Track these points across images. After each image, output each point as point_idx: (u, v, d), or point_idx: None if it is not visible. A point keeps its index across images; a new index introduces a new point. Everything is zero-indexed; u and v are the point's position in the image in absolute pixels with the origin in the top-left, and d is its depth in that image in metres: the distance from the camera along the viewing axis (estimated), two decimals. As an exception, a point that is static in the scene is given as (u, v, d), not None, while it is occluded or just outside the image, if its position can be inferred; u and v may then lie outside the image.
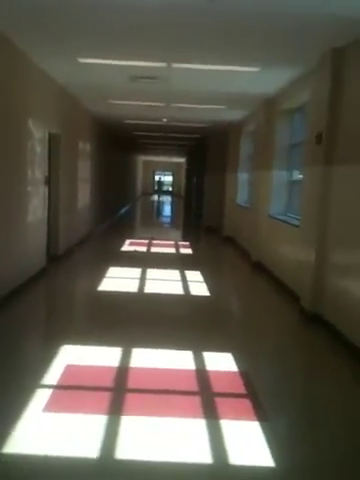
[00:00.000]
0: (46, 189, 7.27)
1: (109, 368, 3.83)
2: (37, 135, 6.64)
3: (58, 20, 4.63)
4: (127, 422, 3.01)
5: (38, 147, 6.72)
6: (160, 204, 30.55)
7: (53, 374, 3.65)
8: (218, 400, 3.39)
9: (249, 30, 4.68)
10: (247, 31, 4.72)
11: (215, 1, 3.85)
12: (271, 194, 8.23)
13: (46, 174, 7.21)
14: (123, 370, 3.83)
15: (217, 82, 7.15)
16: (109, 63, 6.16)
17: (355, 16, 4.11)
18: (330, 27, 4.47)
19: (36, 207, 6.74)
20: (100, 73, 6.92)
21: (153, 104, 9.37)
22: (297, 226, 6.53)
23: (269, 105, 8.30)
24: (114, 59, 6.00)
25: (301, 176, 7.06)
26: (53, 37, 5.20)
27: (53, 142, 7.71)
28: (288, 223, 7.18)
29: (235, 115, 10.59)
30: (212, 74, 6.55)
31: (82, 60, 6.06)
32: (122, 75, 6.83)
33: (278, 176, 8.10)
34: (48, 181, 7.37)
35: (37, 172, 6.71)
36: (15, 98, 5.75)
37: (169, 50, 5.59)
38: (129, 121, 12.27)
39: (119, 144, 17.41)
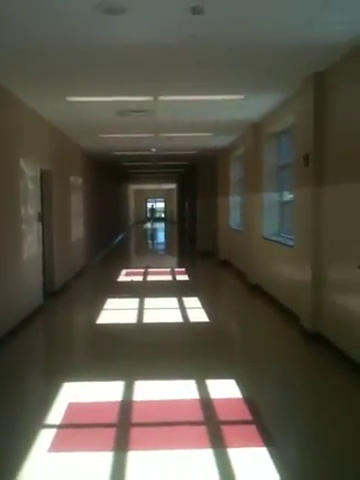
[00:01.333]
0: (40, 225, 7.31)
1: (112, 403, 3.80)
2: (29, 173, 6.72)
3: (44, 61, 4.75)
4: (134, 457, 2.98)
5: (30, 184, 6.79)
6: (153, 231, 30.64)
7: (56, 413, 3.61)
8: (224, 428, 3.36)
9: (231, 61, 4.83)
10: (230, 62, 4.87)
11: (198, 36, 3.98)
12: (263, 216, 8.31)
13: (39, 211, 7.26)
14: (126, 404, 3.80)
15: (203, 111, 7.31)
16: (97, 100, 6.30)
17: (334, 42, 4.26)
18: (310, 54, 4.62)
19: (31, 244, 6.77)
20: (89, 109, 7.05)
21: (141, 135, 9.52)
22: (291, 246, 6.58)
23: (256, 129, 8.46)
24: (102, 96, 6.15)
25: (291, 196, 7.15)
26: (40, 78, 5.32)
27: (45, 178, 7.79)
28: (282, 244, 7.23)
29: (223, 141, 10.76)
30: (198, 104, 6.70)
31: (71, 98, 6.19)
32: (110, 110, 6.97)
33: (269, 198, 8.19)
34: (41, 217, 7.42)
35: (30, 209, 6.76)
36: (5, 138, 5.83)
37: (155, 84, 5.73)
38: (118, 152, 12.42)
39: (109, 175, 17.57)
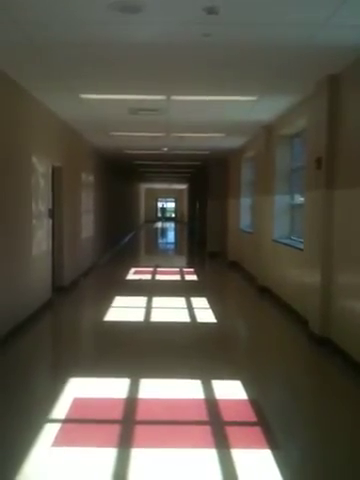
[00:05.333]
0: (50, 222, 7.35)
1: (117, 400, 3.81)
2: (41, 169, 6.76)
3: (58, 58, 4.77)
4: (137, 454, 2.98)
5: (42, 181, 6.83)
6: (163, 231, 30.67)
7: (61, 408, 3.63)
8: (229, 429, 3.35)
9: (245, 62, 4.82)
10: (243, 63, 4.85)
11: (210, 36, 3.98)
12: (274, 218, 8.28)
13: (50, 207, 7.30)
14: (131, 401, 3.81)
15: (216, 111, 7.29)
16: (110, 98, 6.32)
17: (348, 44, 4.23)
18: (324, 56, 4.60)
19: (41, 240, 6.81)
20: (101, 107, 7.08)
21: (153, 134, 9.53)
22: (301, 249, 6.55)
23: (268, 131, 8.44)
24: (115, 94, 6.17)
25: (302, 199, 7.12)
26: (54, 74, 5.35)
27: (56, 175, 7.83)
28: (292, 247, 7.20)
29: (235, 142, 10.73)
30: (210, 104, 6.69)
31: (84, 96, 6.22)
32: (122, 108, 6.99)
33: (280, 200, 8.16)
34: (52, 214, 7.46)
35: (41, 205, 6.80)
36: (18, 134, 5.87)
37: (168, 84, 5.74)
38: (130, 151, 12.45)
39: (121, 173, 17.62)
